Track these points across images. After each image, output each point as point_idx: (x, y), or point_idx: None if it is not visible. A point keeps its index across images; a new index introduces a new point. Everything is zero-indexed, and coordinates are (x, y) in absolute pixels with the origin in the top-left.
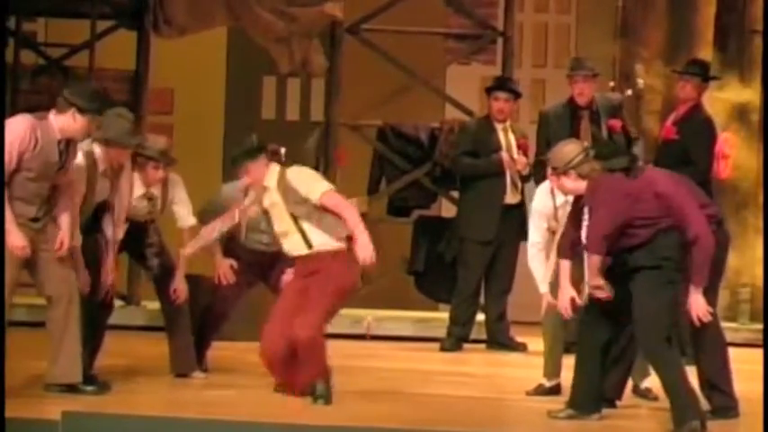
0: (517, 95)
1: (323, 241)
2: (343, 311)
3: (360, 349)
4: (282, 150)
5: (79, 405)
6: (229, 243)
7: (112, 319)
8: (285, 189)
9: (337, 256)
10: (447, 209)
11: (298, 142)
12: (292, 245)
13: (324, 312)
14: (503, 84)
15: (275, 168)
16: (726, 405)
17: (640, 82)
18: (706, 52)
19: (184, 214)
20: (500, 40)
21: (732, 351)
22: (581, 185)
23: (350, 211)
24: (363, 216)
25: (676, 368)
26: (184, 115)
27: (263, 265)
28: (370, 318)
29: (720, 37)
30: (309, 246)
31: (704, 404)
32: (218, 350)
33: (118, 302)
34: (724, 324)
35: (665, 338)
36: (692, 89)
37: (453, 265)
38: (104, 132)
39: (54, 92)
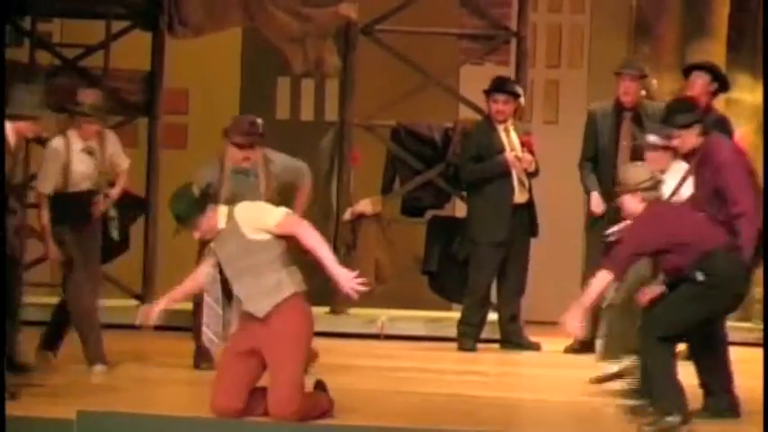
0: (516, 96)
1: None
2: (357, 311)
3: (374, 349)
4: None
5: (94, 405)
6: None
7: (127, 319)
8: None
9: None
10: (460, 209)
11: (312, 142)
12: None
13: (294, 377)
14: (501, 85)
15: (223, 210)
16: (724, 406)
17: (654, 83)
18: (720, 52)
19: (121, 161)
20: (513, 41)
21: (745, 351)
22: (638, 209)
23: (311, 235)
24: (377, 216)
25: (666, 361)
26: (199, 116)
27: None
28: (384, 318)
29: (734, 37)
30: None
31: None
32: None
33: (133, 302)
34: (737, 324)
35: (665, 334)
36: (700, 87)
37: (466, 264)
38: (11, 108)
39: (69, 92)
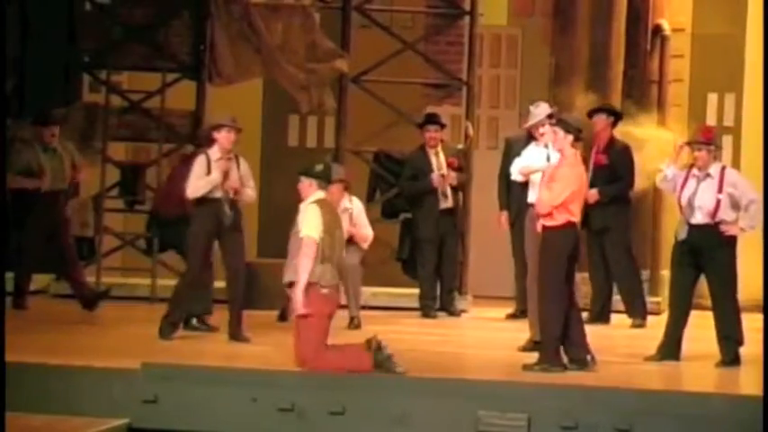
0: (443, 126)
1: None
2: None
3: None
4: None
5: (155, 358)
6: None
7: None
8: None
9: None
10: None
11: (315, 163)
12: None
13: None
14: (430, 119)
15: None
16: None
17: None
18: (616, 98)
19: (73, 149)
20: (464, 88)
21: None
22: None
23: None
24: None
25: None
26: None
27: None
28: (368, 293)
29: (627, 86)
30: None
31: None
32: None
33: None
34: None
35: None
36: (603, 123)
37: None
38: None
39: (135, 126)
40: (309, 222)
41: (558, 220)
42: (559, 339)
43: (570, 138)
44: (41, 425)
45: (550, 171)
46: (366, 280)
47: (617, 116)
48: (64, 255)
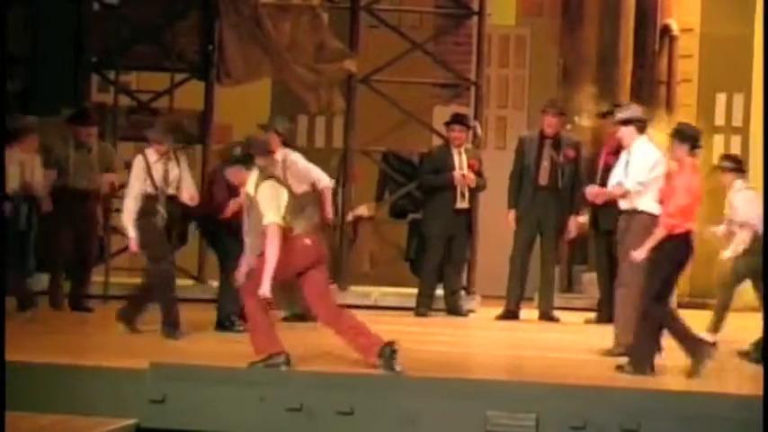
0: (468, 127)
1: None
2: (357, 288)
3: (368, 316)
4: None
5: (164, 357)
6: None
7: (187, 294)
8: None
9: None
10: None
11: (324, 164)
12: None
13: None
14: (458, 119)
15: (253, 178)
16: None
17: (576, 119)
18: (625, 98)
19: (112, 151)
20: (473, 88)
21: None
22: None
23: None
24: (372, 218)
25: None
26: None
27: None
28: (377, 293)
29: (635, 85)
30: None
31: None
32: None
33: (189, 281)
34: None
35: None
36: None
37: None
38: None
39: (143, 126)
40: (268, 205)
41: (680, 229)
42: (658, 344)
43: (686, 147)
44: (50, 424)
45: (670, 181)
46: (375, 280)
47: (640, 125)
48: (83, 256)
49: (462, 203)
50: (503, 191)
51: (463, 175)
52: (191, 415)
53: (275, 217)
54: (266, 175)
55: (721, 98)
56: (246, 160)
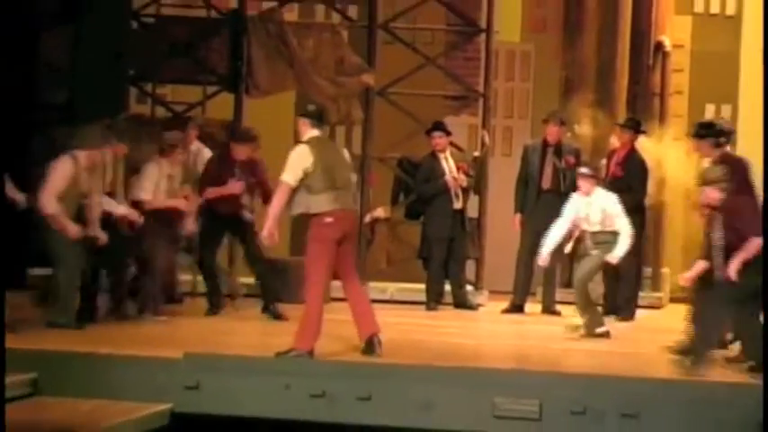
0: (448, 133)
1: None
2: (374, 284)
3: (385, 310)
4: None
5: (196, 348)
6: None
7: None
8: None
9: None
10: None
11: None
12: None
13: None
14: (437, 126)
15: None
16: None
17: (576, 128)
18: (621, 110)
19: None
20: (481, 100)
21: None
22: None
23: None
24: (388, 219)
25: None
26: (266, 151)
27: None
28: (393, 288)
29: (631, 99)
30: None
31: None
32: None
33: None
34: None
35: None
36: (629, 137)
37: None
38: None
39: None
40: (290, 166)
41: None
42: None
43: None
44: (90, 409)
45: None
46: (391, 276)
47: (636, 129)
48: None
49: (457, 204)
50: (509, 193)
51: (454, 178)
52: (222, 401)
53: (288, 177)
54: (317, 139)
55: (710, 109)
56: (320, 118)
